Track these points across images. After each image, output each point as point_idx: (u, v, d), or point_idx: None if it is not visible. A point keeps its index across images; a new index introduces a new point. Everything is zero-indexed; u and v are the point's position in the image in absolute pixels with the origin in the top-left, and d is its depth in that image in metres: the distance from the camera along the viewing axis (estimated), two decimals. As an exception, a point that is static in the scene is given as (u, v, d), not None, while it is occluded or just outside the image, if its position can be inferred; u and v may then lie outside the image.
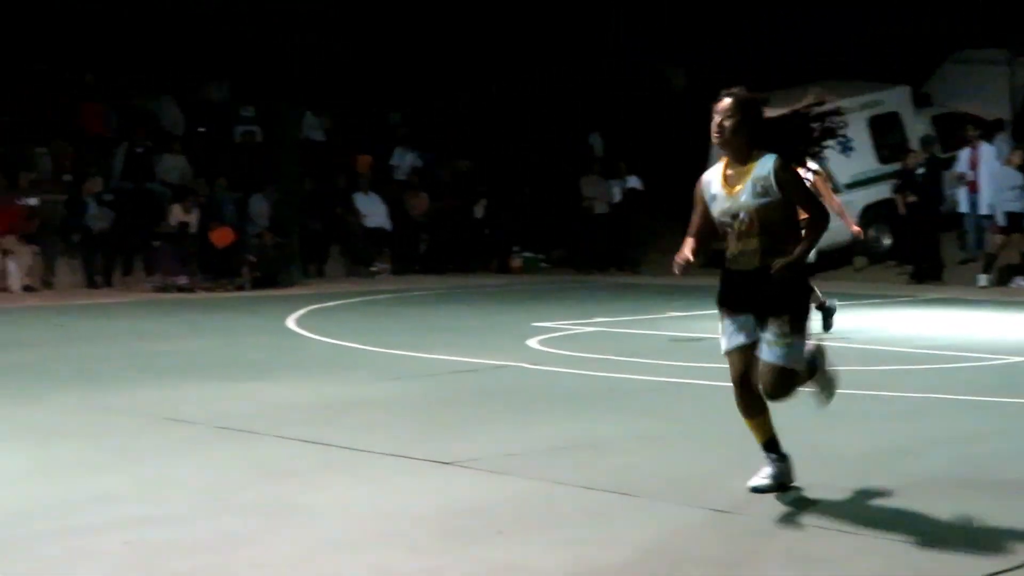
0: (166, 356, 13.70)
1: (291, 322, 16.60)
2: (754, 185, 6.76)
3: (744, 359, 6.89)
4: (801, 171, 13.17)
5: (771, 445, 7.02)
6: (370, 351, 13.43)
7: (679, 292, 19.95)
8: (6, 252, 21.23)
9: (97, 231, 22.34)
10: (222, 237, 22.65)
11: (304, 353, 13.44)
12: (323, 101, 27.20)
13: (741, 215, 6.78)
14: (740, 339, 6.95)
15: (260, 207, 23.79)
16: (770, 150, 6.79)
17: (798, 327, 6.85)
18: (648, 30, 27.83)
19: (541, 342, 13.81)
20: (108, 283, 22.08)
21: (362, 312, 18.69)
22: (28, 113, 24.63)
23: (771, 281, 6.83)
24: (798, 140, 7.22)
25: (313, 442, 8.47)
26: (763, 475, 7.03)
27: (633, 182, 25.65)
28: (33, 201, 22.30)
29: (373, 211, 25.20)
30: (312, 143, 26.34)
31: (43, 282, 21.59)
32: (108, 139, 24.40)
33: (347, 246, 24.76)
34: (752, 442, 6.89)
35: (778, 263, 6.71)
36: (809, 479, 6.85)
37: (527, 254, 25.67)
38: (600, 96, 29.20)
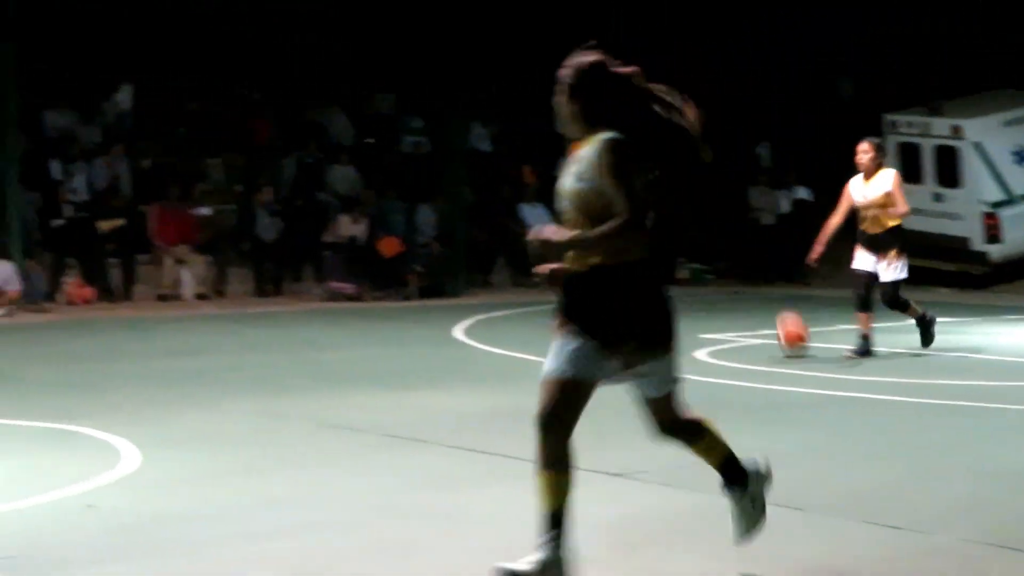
0: (336, 364, 13.92)
1: (458, 332, 16.69)
2: (578, 167, 5.70)
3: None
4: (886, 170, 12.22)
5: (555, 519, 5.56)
6: (535, 361, 13.34)
7: (850, 304, 19.41)
8: (179, 261, 21.60)
9: (267, 240, 22.69)
10: (390, 247, 22.88)
11: (470, 363, 13.56)
12: (490, 112, 27.47)
13: (564, 203, 5.76)
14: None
15: (427, 218, 24.03)
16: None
17: (581, 336, 5.56)
18: (816, 41, 27.64)
19: (710, 354, 13.75)
20: (278, 291, 22.38)
21: (528, 322, 18.64)
22: (201, 126, 25.19)
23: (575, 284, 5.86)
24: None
25: (479, 451, 8.56)
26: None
27: (802, 192, 25.42)
28: (206, 211, 22.78)
29: (538, 222, 25.19)
30: (479, 154, 26.51)
31: (215, 290, 21.95)
32: (278, 150, 24.85)
33: (512, 256, 24.98)
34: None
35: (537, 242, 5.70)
36: (977, 496, 6.75)
37: (693, 265, 25.38)
38: (768, 106, 29.09)
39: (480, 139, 26.95)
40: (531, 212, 24.48)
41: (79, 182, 22.41)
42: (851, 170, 13.51)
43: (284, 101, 26.67)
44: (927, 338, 13.56)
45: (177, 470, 8.29)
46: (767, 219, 25.08)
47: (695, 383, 12.26)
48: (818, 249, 14.05)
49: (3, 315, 18.81)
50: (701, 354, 13.89)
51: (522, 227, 23.93)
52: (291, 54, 27.85)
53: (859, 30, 27.01)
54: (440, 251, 23.46)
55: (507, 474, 8.03)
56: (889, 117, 24.14)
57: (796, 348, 13.36)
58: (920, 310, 13.65)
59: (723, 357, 13.73)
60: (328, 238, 23.18)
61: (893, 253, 12.86)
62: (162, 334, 17.22)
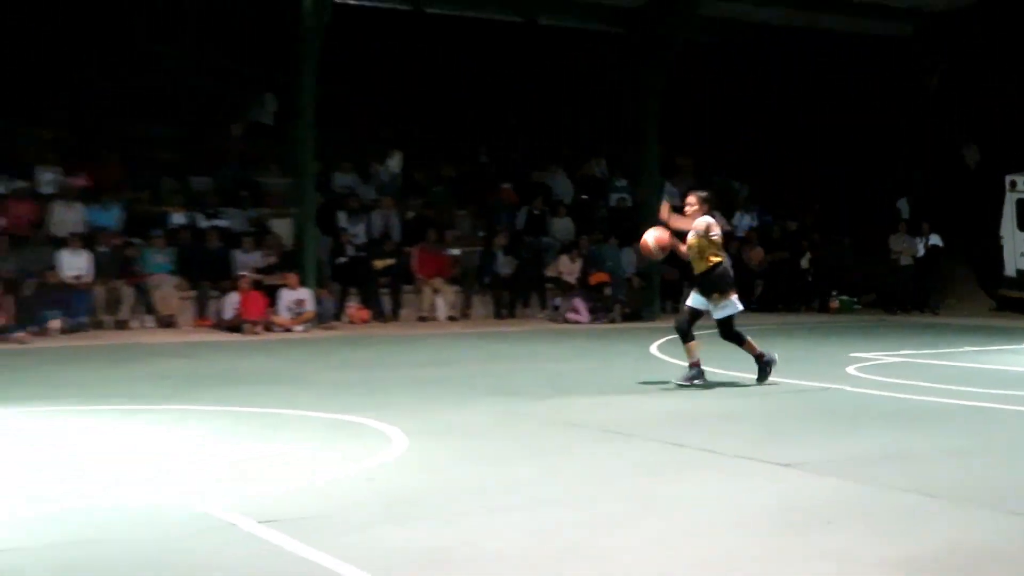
0: (558, 373, 13.87)
1: (653, 349, 16.55)
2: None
3: None
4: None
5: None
6: (718, 372, 13.23)
7: (974, 330, 19.19)
8: (435, 291, 21.81)
9: (503, 275, 22.86)
10: (597, 280, 22.91)
11: (664, 373, 13.35)
12: (679, 173, 27.36)
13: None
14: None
15: (629, 258, 23.82)
16: None
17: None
18: (946, 114, 27.08)
19: (858, 369, 13.40)
20: (511, 315, 22.47)
21: (702, 340, 18.63)
22: (454, 185, 25.48)
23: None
24: None
25: (675, 444, 8.48)
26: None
27: (934, 239, 24.75)
28: (456, 252, 22.98)
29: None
30: (673, 207, 25.98)
31: (462, 314, 22.07)
32: (512, 205, 25.07)
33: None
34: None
35: None
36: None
37: (843, 297, 25.11)
38: (906, 168, 28.37)
39: (671, 195, 26.99)
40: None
41: (359, 229, 22.81)
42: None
43: (516, 166, 26.87)
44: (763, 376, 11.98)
45: (436, 454, 8.45)
46: (905, 260, 24.43)
47: (846, 392, 12.17)
48: None
49: (302, 331, 19.25)
50: (851, 369, 13.60)
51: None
52: (523, 128, 28.19)
53: (984, 103, 26.31)
54: (639, 284, 23.33)
55: (696, 463, 8.01)
56: (1010, 177, 23.49)
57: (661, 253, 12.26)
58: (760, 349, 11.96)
59: (869, 372, 13.38)
60: (550, 273, 23.26)
61: None
62: (422, 348, 17.44)
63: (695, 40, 24.41)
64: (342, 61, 23.99)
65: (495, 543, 5.97)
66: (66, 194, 20.85)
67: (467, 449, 8.83)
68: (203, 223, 21.45)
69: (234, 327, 18.83)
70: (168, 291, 19.81)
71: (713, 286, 11.63)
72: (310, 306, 19.62)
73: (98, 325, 19.10)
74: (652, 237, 11.86)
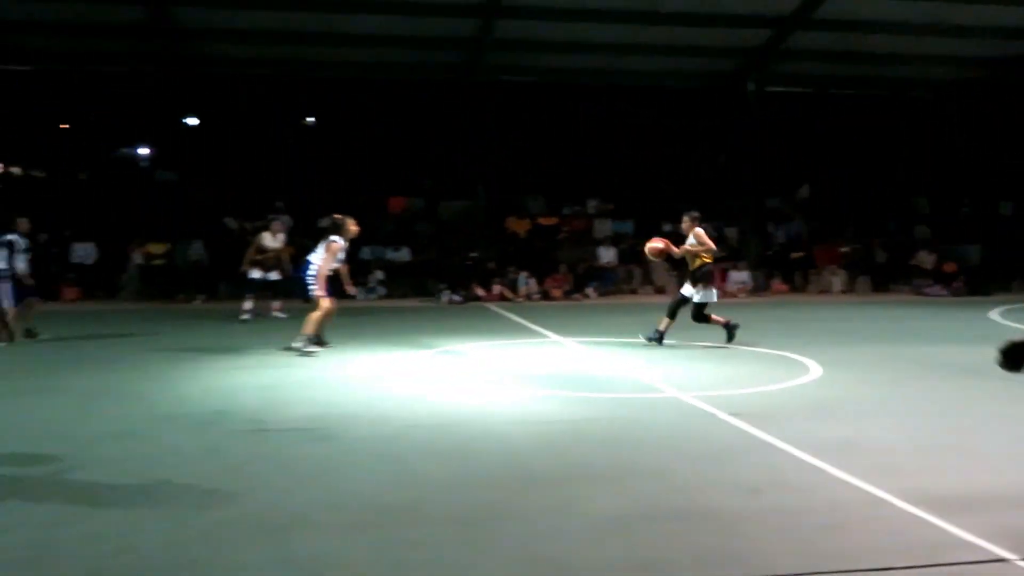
0: (919, 330, 13.36)
1: (992, 315, 15.94)
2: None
3: None
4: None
5: None
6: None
7: None
8: (832, 273, 22.26)
9: (878, 262, 22.66)
10: (950, 269, 22.32)
11: (1000, 332, 12.08)
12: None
13: None
14: None
15: (976, 251, 23.24)
16: None
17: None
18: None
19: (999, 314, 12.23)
20: (885, 290, 22.24)
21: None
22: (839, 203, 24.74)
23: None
24: None
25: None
26: None
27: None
28: (845, 249, 22.83)
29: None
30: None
31: (849, 288, 21.84)
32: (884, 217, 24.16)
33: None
34: None
35: None
36: None
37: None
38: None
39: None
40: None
41: (780, 233, 23.63)
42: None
43: (900, 189, 25.28)
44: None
45: (842, 377, 8.49)
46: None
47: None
48: None
49: (743, 298, 19.70)
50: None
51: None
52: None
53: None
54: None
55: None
56: None
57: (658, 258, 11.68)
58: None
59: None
60: (913, 263, 22.89)
61: None
62: (823, 311, 16.79)
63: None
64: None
65: (887, 436, 6.03)
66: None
67: (863, 375, 8.64)
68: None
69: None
70: (662, 271, 21.49)
71: (696, 280, 11.20)
72: (748, 282, 21.09)
73: (619, 292, 21.25)
74: (648, 246, 11.46)
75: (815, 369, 8.93)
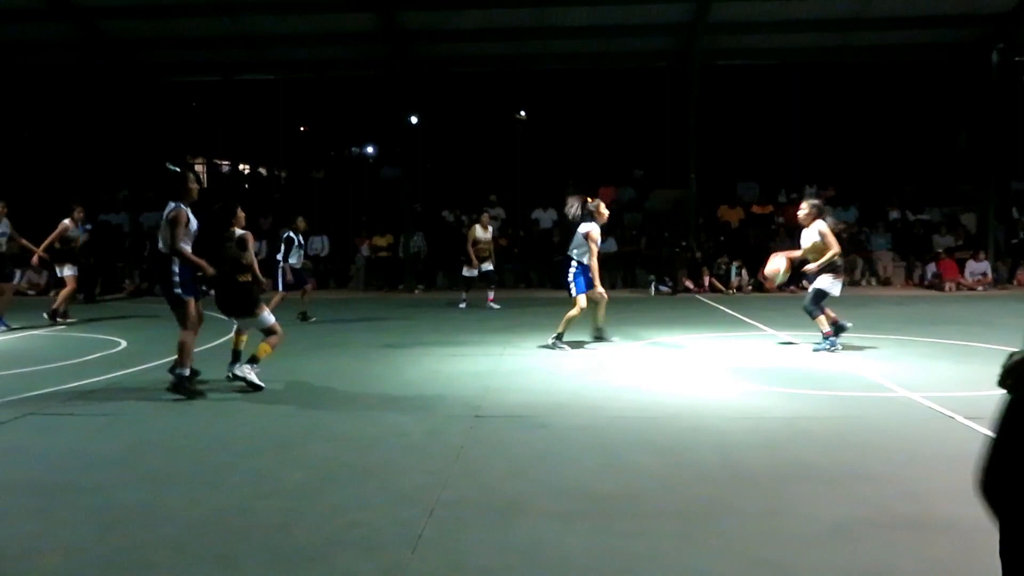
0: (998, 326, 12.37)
1: None
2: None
3: None
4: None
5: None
6: None
7: None
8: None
9: None
10: None
11: None
12: None
13: None
14: None
15: None
16: None
17: None
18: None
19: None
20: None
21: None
22: None
23: None
24: None
25: None
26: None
27: None
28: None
29: None
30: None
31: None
32: None
33: None
34: None
35: None
36: None
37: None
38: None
39: None
40: None
41: None
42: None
43: None
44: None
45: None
46: None
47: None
48: None
49: (982, 291, 19.09)
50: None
51: None
52: None
53: None
54: None
55: None
56: None
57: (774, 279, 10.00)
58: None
59: None
60: None
61: None
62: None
63: None
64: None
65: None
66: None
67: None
68: (911, 217, 22.46)
69: (933, 286, 19.92)
70: (886, 261, 21.30)
71: (824, 271, 9.79)
72: (989, 274, 20.04)
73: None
74: (767, 271, 10.25)
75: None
